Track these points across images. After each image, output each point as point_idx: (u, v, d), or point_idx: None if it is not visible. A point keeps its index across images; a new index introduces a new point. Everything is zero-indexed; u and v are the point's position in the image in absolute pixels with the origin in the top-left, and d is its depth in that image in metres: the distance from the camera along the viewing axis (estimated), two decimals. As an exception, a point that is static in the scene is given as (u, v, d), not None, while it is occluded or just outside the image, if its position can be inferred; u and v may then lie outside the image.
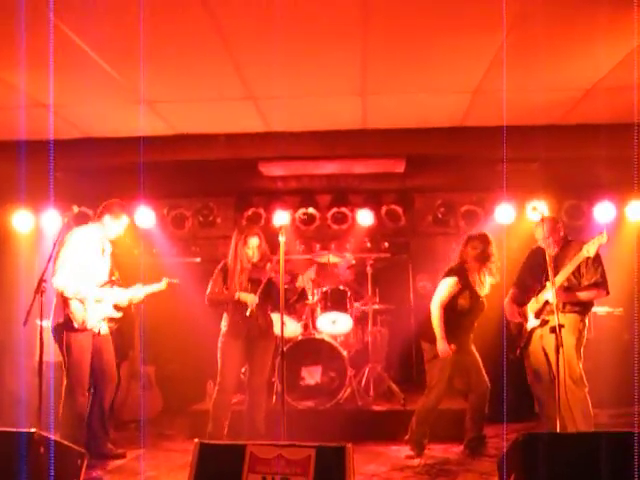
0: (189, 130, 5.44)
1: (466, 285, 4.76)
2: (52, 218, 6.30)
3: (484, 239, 4.78)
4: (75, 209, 4.69)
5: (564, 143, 5.47)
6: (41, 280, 4.11)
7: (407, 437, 4.97)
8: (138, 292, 4.93)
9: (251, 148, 5.50)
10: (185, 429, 5.72)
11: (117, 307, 4.88)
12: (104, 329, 4.81)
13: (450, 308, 4.73)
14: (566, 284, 4.59)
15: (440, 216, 6.59)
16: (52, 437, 3.64)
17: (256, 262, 4.96)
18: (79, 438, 4.57)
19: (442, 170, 6.19)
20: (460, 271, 4.79)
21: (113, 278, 4.88)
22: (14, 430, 3.55)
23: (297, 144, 5.45)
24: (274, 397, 5.81)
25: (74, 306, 4.59)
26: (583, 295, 4.62)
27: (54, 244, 4.37)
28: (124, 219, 4.96)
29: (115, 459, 4.85)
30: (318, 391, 5.77)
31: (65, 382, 4.64)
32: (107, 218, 4.86)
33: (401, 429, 5.06)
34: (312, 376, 5.86)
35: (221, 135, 5.42)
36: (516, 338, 4.92)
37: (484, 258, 4.75)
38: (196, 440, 3.25)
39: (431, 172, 6.27)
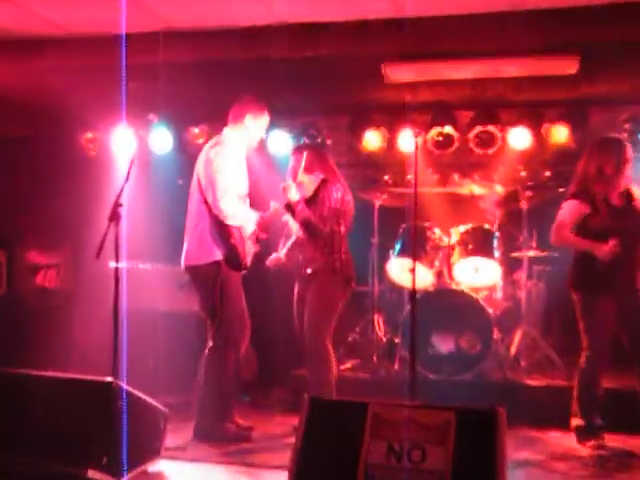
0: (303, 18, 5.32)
1: (596, 204, 4.71)
2: (124, 136, 6.63)
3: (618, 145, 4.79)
4: (154, 119, 4.79)
5: None
6: (116, 205, 4.13)
7: (572, 421, 4.84)
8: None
9: (373, 41, 5.31)
10: (284, 400, 5.87)
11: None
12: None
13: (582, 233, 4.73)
14: None
15: (625, 135, 6.11)
16: (130, 389, 3.79)
17: None
18: (230, 409, 4.71)
19: (629, 71, 5.76)
20: (584, 190, 4.76)
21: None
22: (88, 378, 3.78)
23: (432, 34, 5.22)
24: (396, 362, 5.97)
25: (238, 238, 4.66)
26: None
27: (131, 162, 4.39)
28: (266, 118, 4.96)
29: (239, 442, 4.64)
30: (454, 358, 5.78)
31: (214, 335, 4.69)
32: (249, 119, 4.85)
33: (564, 411, 4.94)
34: (445, 343, 5.86)
35: (338, 24, 5.25)
36: None
37: (619, 167, 4.72)
38: (306, 395, 3.30)
39: (614, 74, 5.85)
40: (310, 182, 4.97)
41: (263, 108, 4.93)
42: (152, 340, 5.94)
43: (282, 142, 6.78)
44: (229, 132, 4.88)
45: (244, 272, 4.78)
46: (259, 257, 5.03)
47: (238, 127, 4.84)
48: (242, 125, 4.84)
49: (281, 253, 5.09)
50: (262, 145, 6.09)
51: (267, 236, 4.87)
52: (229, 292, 4.64)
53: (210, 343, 4.70)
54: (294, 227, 5.03)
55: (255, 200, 5.02)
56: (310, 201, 4.92)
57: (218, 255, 4.61)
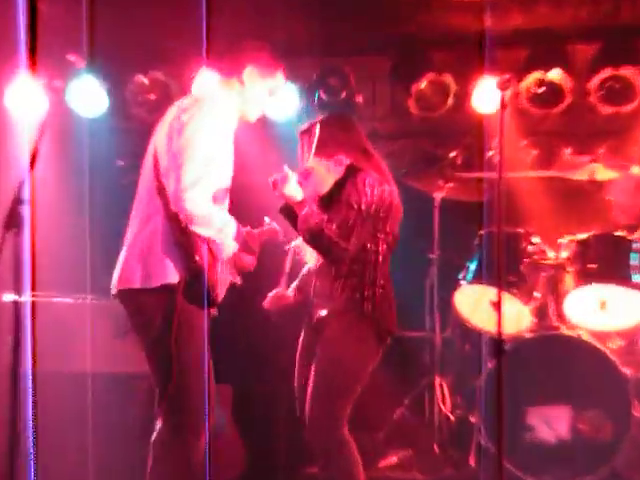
0: None
1: None
2: (29, 89, 6.65)
3: None
4: (78, 63, 5.12)
5: None
6: (16, 202, 3.84)
7: None
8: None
9: None
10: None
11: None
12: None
13: None
14: None
15: None
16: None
17: None
18: None
19: None
20: None
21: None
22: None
23: None
24: (472, 455, 6.08)
25: (208, 256, 4.46)
26: None
27: (40, 131, 4.20)
28: (279, 78, 4.78)
29: None
30: (567, 449, 5.75)
31: (166, 409, 4.43)
32: (249, 75, 4.66)
33: None
34: (552, 424, 5.86)
35: None
36: None
37: None
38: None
39: None
40: (327, 171, 4.70)
41: (276, 63, 4.72)
42: (77, 421, 5.80)
43: (286, 101, 6.73)
44: (214, 89, 4.78)
45: (214, 311, 4.56)
46: (252, 290, 4.88)
47: (230, 84, 4.66)
48: (238, 82, 4.65)
49: (289, 289, 4.99)
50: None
51: (254, 262, 4.65)
52: (189, 338, 4.33)
53: (158, 424, 4.44)
54: (307, 253, 4.87)
55: (237, 204, 4.79)
56: (326, 201, 4.68)
57: (172, 277, 4.30)
